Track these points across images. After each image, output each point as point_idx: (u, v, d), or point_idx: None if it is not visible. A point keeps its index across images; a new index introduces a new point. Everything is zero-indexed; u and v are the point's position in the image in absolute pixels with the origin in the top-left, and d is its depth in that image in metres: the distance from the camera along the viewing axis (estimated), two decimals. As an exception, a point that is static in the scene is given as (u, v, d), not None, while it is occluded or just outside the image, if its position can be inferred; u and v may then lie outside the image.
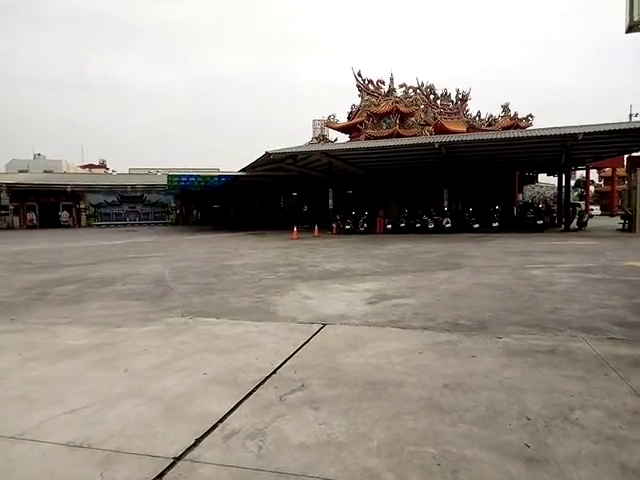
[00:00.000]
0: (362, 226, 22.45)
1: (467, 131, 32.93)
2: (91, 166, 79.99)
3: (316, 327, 4.98)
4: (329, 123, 40.09)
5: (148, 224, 43.13)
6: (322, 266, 10.20)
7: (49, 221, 41.55)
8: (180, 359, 4.01)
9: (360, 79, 36.86)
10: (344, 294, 6.86)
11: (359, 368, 3.68)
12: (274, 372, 3.63)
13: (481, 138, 19.89)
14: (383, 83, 36.51)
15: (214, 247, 16.30)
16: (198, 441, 2.58)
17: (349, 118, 39.11)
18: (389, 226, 22.50)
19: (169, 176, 29.71)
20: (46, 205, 42.40)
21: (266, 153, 21.76)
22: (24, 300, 6.96)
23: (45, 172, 56.95)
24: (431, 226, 21.40)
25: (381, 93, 35.93)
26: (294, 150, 22.40)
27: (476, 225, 21.10)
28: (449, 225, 20.94)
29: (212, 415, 2.89)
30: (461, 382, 3.34)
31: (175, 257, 13.00)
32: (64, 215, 42.86)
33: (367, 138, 31.37)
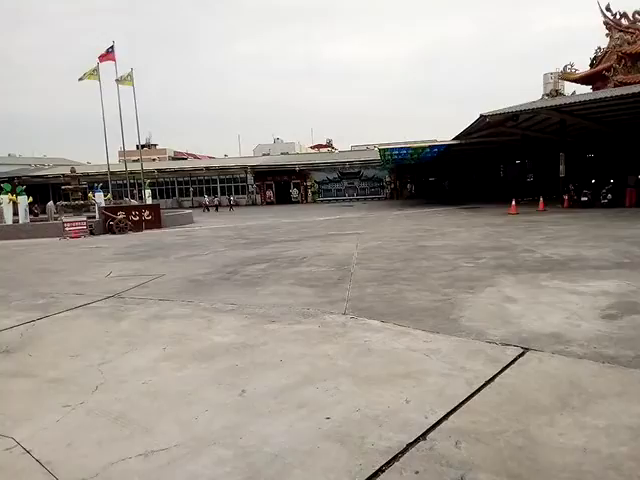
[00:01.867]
0: (605, 197, 18.01)
1: None
2: (319, 146, 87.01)
3: (511, 353, 3.43)
4: (565, 75, 33.84)
5: (364, 199, 44.33)
6: (540, 251, 8.03)
7: (283, 197, 46.57)
8: (309, 385, 3.07)
9: (609, 14, 29.73)
10: (566, 297, 4.93)
11: (572, 459, 2.11)
12: (423, 436, 2.36)
13: None
14: (643, 14, 28.65)
15: (417, 224, 15.11)
16: None
17: (592, 65, 32.22)
18: (646, 197, 17.48)
19: (380, 150, 29.44)
20: (280, 183, 47.63)
21: (481, 116, 19.19)
22: (214, 279, 7.12)
23: (282, 154, 64.27)
24: None
25: (639, 27, 28.32)
26: (515, 109, 19.17)
27: None
28: None
29: (299, 513, 1.84)
30: None
31: (373, 235, 12.33)
32: (294, 192, 47.49)
33: (616, 86, 25.17)
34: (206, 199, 38.50)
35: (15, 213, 20.51)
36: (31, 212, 23.55)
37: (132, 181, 31.97)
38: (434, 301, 5.11)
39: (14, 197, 20.84)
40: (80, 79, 20.04)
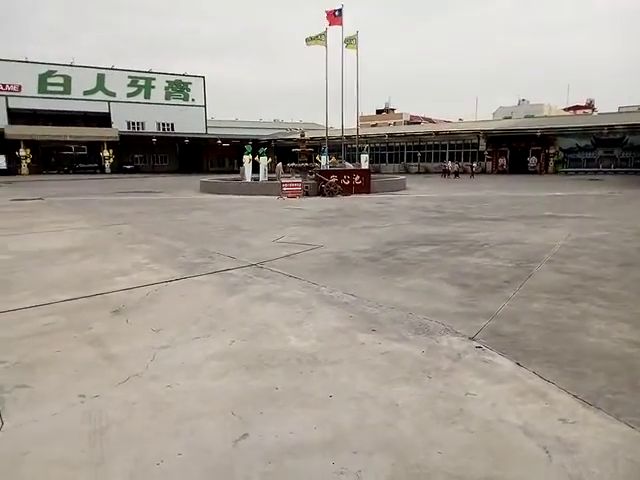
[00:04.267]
0: None
1: None
2: (576, 107, 74.85)
3: None
4: None
5: (626, 172, 36.24)
6: None
7: (518, 166, 41.81)
8: (329, 453, 2.11)
9: None
10: None
11: None
12: None
13: None
14: None
15: (682, 211, 11.11)
16: None
17: None
18: None
19: (651, 110, 22.96)
20: (516, 150, 42.73)
21: None
22: (363, 258, 6.36)
23: (526, 117, 57.49)
24: None
25: None
26: None
27: None
28: None
29: None
30: None
31: (602, 221, 9.50)
32: (532, 160, 42.03)
33: None
34: (449, 164, 37.57)
35: (256, 171, 23.50)
36: (270, 171, 26.57)
37: (360, 145, 33.20)
38: (629, 344, 3.28)
39: (257, 158, 23.76)
40: (307, 43, 21.00)
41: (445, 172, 36.02)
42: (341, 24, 20.55)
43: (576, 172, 38.21)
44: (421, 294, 4.63)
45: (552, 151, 40.63)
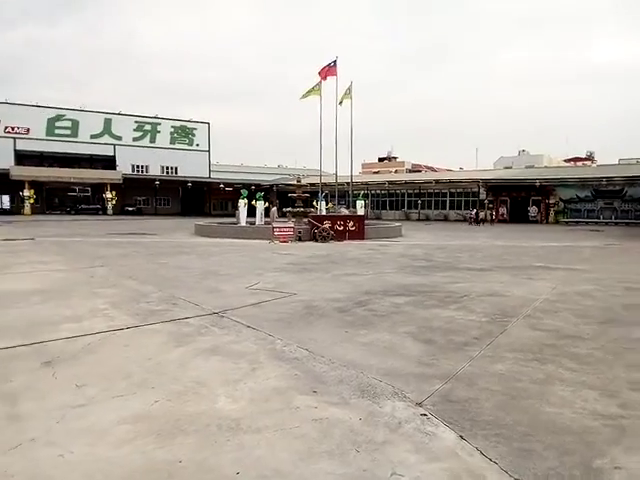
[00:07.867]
0: None
1: None
2: (577, 159, 75.83)
3: None
4: None
5: (627, 223, 36.08)
6: None
7: (518, 215, 41.90)
8: None
9: None
10: None
11: None
12: None
13: None
14: None
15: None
16: None
17: None
18: None
19: (647, 163, 23.09)
20: (517, 200, 42.94)
21: None
22: (333, 308, 6.06)
23: (527, 167, 58.15)
24: None
25: None
26: None
27: None
28: None
29: None
30: None
31: (593, 274, 9.20)
32: (532, 210, 42.17)
33: None
34: (473, 213, 38.04)
35: (254, 215, 23.63)
36: (267, 215, 26.65)
37: (355, 192, 33.61)
38: (591, 415, 2.94)
39: (254, 202, 23.89)
40: (303, 97, 21.60)
41: (471, 219, 36.96)
42: (335, 74, 21.15)
43: (577, 222, 38.14)
44: (380, 350, 4.32)
45: (552, 201, 40.76)
